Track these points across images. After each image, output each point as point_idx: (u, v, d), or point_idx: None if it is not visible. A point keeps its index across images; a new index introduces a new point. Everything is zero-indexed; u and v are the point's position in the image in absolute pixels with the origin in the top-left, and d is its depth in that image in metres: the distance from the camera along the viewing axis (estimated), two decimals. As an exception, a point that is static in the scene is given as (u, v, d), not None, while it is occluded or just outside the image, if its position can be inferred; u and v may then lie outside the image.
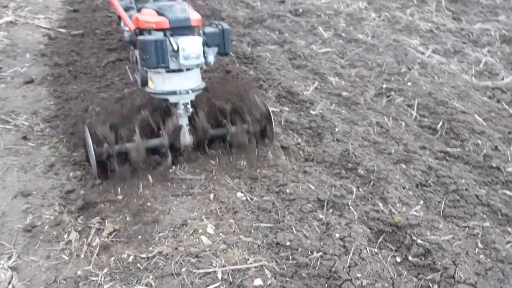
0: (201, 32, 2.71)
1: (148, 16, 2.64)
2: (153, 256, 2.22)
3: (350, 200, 2.60)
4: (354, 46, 4.69)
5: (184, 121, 2.74)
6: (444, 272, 2.11)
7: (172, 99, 2.69)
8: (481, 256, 2.25)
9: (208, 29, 2.72)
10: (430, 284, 2.09)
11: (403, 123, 3.35)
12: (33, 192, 2.68)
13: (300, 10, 5.67)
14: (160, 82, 2.69)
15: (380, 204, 2.57)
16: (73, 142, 3.07)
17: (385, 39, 4.85)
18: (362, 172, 2.82)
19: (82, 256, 2.26)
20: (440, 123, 3.33)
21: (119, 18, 3.95)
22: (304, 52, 4.45)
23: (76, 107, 3.47)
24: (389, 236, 2.41)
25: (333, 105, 3.55)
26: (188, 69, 2.69)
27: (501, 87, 3.89)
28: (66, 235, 2.38)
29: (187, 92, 2.68)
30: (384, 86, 3.86)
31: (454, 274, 2.08)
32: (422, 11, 5.81)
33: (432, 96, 3.65)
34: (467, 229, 2.44)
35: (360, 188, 2.73)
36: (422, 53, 4.56)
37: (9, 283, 2.11)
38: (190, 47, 2.53)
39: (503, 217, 2.52)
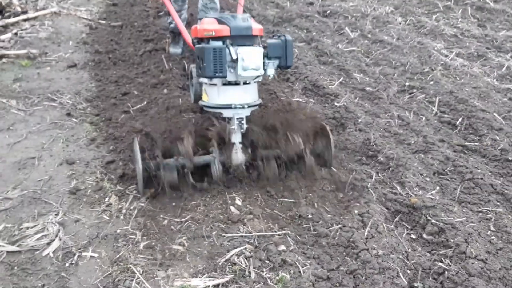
0: (261, 43, 2.60)
1: (208, 24, 2.53)
2: (186, 221, 2.43)
3: (370, 184, 2.77)
4: (379, 47, 4.86)
5: (237, 139, 2.58)
6: (456, 249, 2.26)
7: (226, 113, 2.55)
8: (493, 237, 2.39)
9: (270, 40, 2.57)
10: (442, 259, 2.24)
11: (424, 118, 3.50)
12: (76, 161, 2.92)
13: (328, 12, 5.87)
14: (214, 95, 2.56)
15: (398, 188, 2.73)
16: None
17: (409, 41, 5.00)
18: (382, 159, 2.99)
19: (121, 217, 2.48)
20: (460, 119, 3.46)
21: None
22: (331, 50, 4.64)
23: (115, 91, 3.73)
24: (405, 216, 2.56)
25: (357, 98, 3.72)
26: (245, 83, 2.56)
27: (522, 90, 4.00)
28: (107, 199, 2.61)
29: (243, 107, 2.54)
30: (407, 84, 4.02)
31: (466, 250, 2.23)
32: (447, 17, 5.93)
33: (453, 94, 3.79)
34: (480, 213, 2.58)
35: (379, 173, 2.89)
36: (446, 56, 4.69)
37: (56, 236, 2.35)
38: (250, 58, 2.40)
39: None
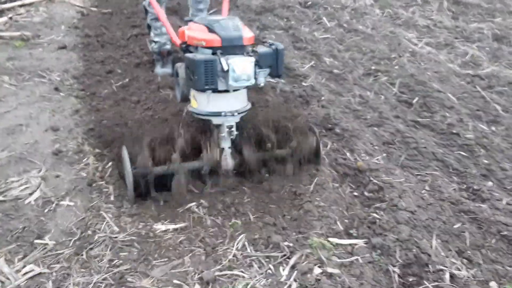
0: (252, 50, 2.52)
1: (198, 32, 2.46)
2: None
3: (324, 151, 3.07)
4: (353, 35, 5.16)
5: (226, 144, 2.57)
6: (390, 202, 2.56)
7: (215, 120, 2.52)
8: (425, 195, 2.69)
9: (261, 49, 2.49)
10: (377, 211, 2.54)
11: (383, 97, 3.81)
12: (61, 128, 3.24)
13: (309, 3, 6.17)
14: (204, 102, 2.49)
15: (348, 154, 3.03)
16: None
17: (382, 31, 5.30)
18: (338, 131, 3.29)
19: (97, 174, 2.79)
20: (416, 99, 3.76)
21: (148, 28, 4.01)
22: (306, 37, 4.95)
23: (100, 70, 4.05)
24: (351, 177, 2.86)
25: (324, 79, 4.03)
26: (235, 90, 2.50)
27: (481, 75, 4.28)
28: (85, 159, 2.92)
29: (232, 114, 2.50)
30: (373, 67, 4.32)
31: (398, 204, 2.53)
32: (423, 10, 6.23)
33: (414, 77, 4.09)
34: (419, 176, 2.88)
35: (334, 143, 3.19)
36: (415, 44, 4.99)
37: (38, 187, 2.66)
38: (241, 68, 2.34)
39: (453, 171, 2.95)
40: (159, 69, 4.05)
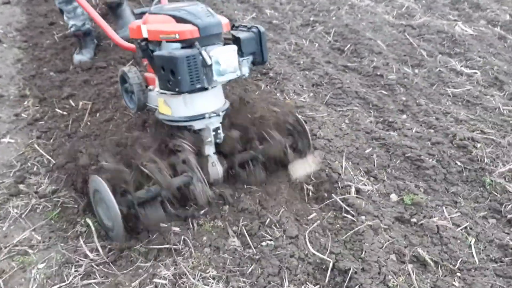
0: (232, 37, 2.17)
1: (165, 24, 2.05)
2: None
3: (257, 93, 3.29)
4: (297, -10, 5.33)
5: (211, 150, 2.22)
6: (310, 132, 2.81)
7: (198, 125, 2.17)
8: (344, 126, 2.95)
9: (241, 34, 2.14)
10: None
11: (317, 44, 4.03)
12: (3, 75, 3.33)
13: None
14: (181, 106, 2.13)
15: (278, 94, 3.26)
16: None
17: (326, -14, 5.49)
18: (272, 75, 3.50)
19: (38, 115, 2.94)
20: (348, 46, 4.00)
21: (61, 12, 3.44)
22: (250, -8, 5.09)
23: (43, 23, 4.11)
24: (279, 114, 3.10)
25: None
26: (213, 86, 2.15)
27: (413, 24, 4.55)
28: (26, 102, 3.05)
29: (217, 114, 2.18)
30: (311, 19, 4.52)
31: (317, 133, 2.79)
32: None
33: (348, 27, 4.32)
34: (340, 111, 3.14)
35: (268, 86, 3.41)
36: (356, -2, 5.21)
37: (-22, 123, 2.80)
38: (227, 60, 2.01)
39: (373, 106, 3.22)
40: (76, 56, 3.53)
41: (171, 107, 2.16)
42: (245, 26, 2.22)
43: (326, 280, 1.96)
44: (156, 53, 2.05)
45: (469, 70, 3.71)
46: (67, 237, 2.14)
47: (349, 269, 1.97)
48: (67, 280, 1.90)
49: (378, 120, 3.08)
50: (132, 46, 2.41)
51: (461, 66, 3.78)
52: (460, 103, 3.29)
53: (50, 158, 2.57)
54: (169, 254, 1.99)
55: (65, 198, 2.31)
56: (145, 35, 2.09)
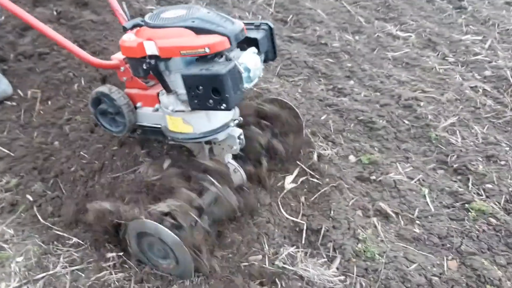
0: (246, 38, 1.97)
1: (184, 38, 1.79)
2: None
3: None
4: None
5: (229, 157, 2.17)
6: (267, 104, 2.91)
7: (222, 136, 2.04)
8: (298, 96, 3.07)
9: (256, 34, 2.01)
10: (257, 112, 2.88)
11: (260, 17, 4.09)
12: None
13: None
14: (203, 122, 1.98)
15: (230, 68, 3.31)
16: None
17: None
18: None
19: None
20: (290, 16, 4.10)
21: None
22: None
23: None
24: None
25: (204, 4, 4.19)
26: None
27: (349, -7, 4.73)
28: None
29: (238, 120, 2.11)
30: (252, -9, 4.56)
31: (274, 104, 2.88)
32: None
33: (289, -3, 4.41)
34: (293, 82, 3.26)
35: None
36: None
37: None
38: (255, 65, 1.88)
39: (322, 75, 3.36)
40: None
41: (193, 124, 1.97)
42: (252, 23, 2.05)
43: (303, 241, 2.10)
44: (186, 72, 1.81)
45: (404, 34, 3.94)
46: (40, 228, 2.12)
47: (321, 228, 2.13)
48: (51, 269, 1.90)
49: (328, 88, 3.23)
50: (110, 63, 2.13)
51: (397, 30, 4.00)
52: (400, 66, 3.51)
53: (7, 151, 2.49)
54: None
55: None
56: (151, 52, 1.82)
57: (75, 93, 2.84)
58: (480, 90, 3.13)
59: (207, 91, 1.76)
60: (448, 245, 2.11)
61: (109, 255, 2.00)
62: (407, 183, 2.43)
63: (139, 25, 1.92)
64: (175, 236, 1.77)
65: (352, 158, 2.62)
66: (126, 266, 2.00)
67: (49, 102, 2.80)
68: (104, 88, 2.08)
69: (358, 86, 3.25)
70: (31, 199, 2.24)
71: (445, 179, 2.49)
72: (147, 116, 2.11)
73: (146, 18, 1.90)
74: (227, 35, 1.77)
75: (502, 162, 2.53)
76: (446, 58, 3.56)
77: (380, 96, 3.10)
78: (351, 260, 2.00)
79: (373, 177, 2.46)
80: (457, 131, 2.76)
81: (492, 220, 2.20)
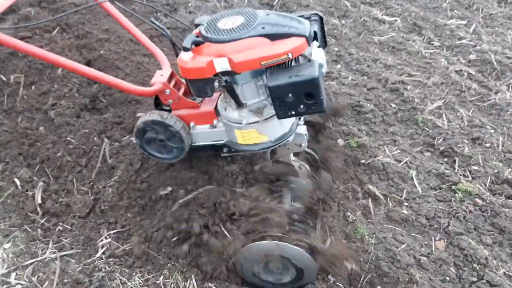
0: None
1: (262, 48, 1.68)
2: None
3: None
4: None
5: (292, 156, 2.16)
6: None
7: (291, 137, 1.99)
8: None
9: (313, 27, 1.90)
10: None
11: (246, 1, 4.05)
12: None
13: None
14: (277, 127, 1.91)
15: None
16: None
17: None
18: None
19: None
20: (277, 0, 4.07)
21: None
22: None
23: None
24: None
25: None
26: None
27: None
28: None
29: (300, 119, 2.07)
30: (237, -25, 4.51)
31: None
32: None
33: (274, -19, 4.37)
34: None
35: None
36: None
37: None
38: (324, 60, 1.83)
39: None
40: None
41: (267, 133, 1.90)
42: (302, 16, 1.90)
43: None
44: (274, 83, 1.67)
45: (390, 18, 3.95)
46: (28, 214, 2.09)
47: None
48: (40, 255, 1.88)
49: (315, 71, 3.22)
50: (154, 89, 1.95)
51: (383, 14, 4.00)
52: (386, 50, 3.52)
53: (-10, 136, 2.44)
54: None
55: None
56: (223, 69, 1.69)
57: (59, 77, 2.79)
58: (465, 74, 3.16)
59: (298, 98, 1.68)
60: (436, 226, 2.15)
61: (100, 242, 1.99)
62: (395, 165, 2.46)
63: (199, 42, 1.72)
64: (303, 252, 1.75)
65: (340, 141, 2.63)
66: (117, 251, 1.99)
67: (33, 87, 2.75)
68: (154, 116, 1.92)
69: (345, 70, 3.26)
70: (18, 183, 2.19)
71: (432, 161, 2.52)
72: (204, 134, 2.01)
73: (203, 32, 1.74)
74: (304, 35, 1.69)
75: (487, 144, 2.57)
76: (432, 42, 3.58)
77: (367, 80, 3.11)
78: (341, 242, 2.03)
79: (362, 161, 2.48)
80: (443, 114, 2.79)
81: (478, 201, 2.24)
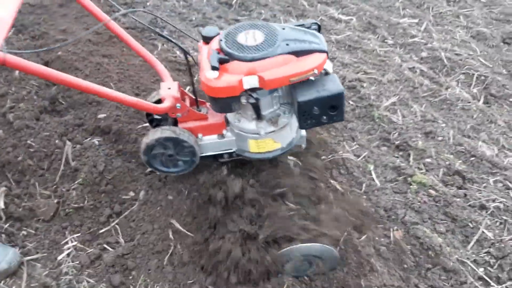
0: None
1: (289, 66, 1.75)
2: None
3: (156, 52, 3.28)
4: None
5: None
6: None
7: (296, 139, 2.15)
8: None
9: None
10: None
11: (205, 0, 4.08)
12: None
13: None
14: (288, 133, 2.05)
15: (178, 52, 3.30)
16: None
17: None
18: (166, 33, 3.50)
19: None
20: (235, 0, 4.12)
21: None
22: None
23: None
24: (182, 72, 3.16)
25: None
26: None
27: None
28: None
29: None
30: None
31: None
32: None
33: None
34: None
35: (164, 44, 3.42)
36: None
37: None
38: (332, 68, 1.90)
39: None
40: None
41: (280, 140, 2.03)
42: (303, 25, 1.94)
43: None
44: (303, 98, 1.75)
45: (346, 17, 4.06)
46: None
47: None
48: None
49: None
50: (167, 105, 1.94)
51: (339, 13, 4.11)
52: (343, 48, 3.63)
53: None
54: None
55: None
56: (251, 86, 1.74)
57: (16, 80, 2.74)
58: (418, 71, 3.32)
59: (323, 110, 1.79)
60: (393, 217, 2.27)
61: (65, 246, 1.98)
62: (354, 160, 2.56)
63: (224, 60, 1.75)
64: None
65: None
66: (82, 253, 1.99)
67: (-11, 90, 2.68)
68: (167, 133, 1.92)
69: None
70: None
71: (388, 155, 2.64)
72: (213, 145, 2.07)
73: (225, 48, 1.78)
74: (325, 50, 1.80)
75: (440, 138, 2.72)
76: (386, 40, 3.72)
77: (326, 78, 3.20)
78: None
79: (323, 156, 2.57)
80: (398, 110, 2.92)
81: (432, 191, 2.37)
